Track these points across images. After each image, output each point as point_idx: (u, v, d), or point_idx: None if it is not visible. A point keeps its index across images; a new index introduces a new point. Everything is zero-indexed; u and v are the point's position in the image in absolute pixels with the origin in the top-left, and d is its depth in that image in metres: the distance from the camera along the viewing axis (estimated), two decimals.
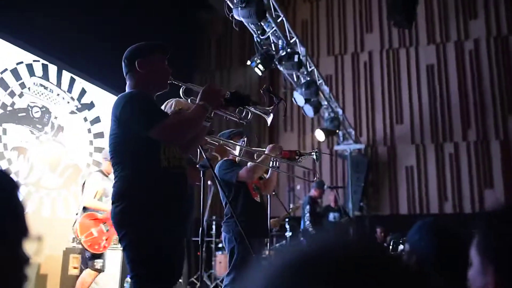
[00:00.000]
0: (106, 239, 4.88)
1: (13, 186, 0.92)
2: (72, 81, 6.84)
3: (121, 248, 2.39)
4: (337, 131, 8.11)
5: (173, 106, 3.16)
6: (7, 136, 5.72)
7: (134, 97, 2.37)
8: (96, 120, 7.25)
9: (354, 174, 8.97)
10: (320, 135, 7.78)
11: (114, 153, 2.39)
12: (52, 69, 6.50)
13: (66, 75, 6.73)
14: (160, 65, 2.46)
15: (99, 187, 4.92)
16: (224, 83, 10.41)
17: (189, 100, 2.62)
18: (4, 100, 5.70)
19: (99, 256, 4.88)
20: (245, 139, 3.77)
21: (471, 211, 8.68)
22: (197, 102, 2.39)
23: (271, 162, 3.89)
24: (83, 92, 7.05)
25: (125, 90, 2.47)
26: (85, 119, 7.09)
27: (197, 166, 3.21)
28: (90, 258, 4.89)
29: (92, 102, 7.21)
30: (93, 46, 6.69)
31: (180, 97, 2.65)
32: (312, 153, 3.95)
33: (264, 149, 3.81)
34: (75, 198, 6.37)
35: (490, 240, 0.93)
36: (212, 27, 10.41)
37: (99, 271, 4.91)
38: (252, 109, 2.58)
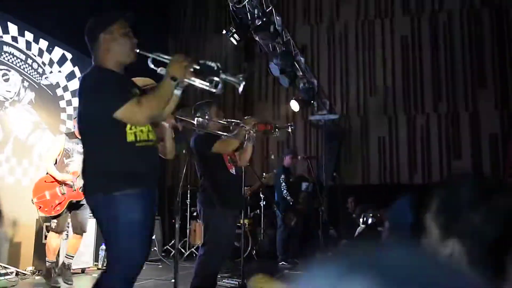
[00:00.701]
0: (60, 203, 4.87)
1: None
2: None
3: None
4: (312, 101, 8.14)
5: None
6: None
7: (96, 77, 2.36)
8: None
9: (328, 144, 9.07)
10: (295, 106, 7.81)
11: (81, 132, 2.44)
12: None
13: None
14: (122, 36, 2.39)
15: (60, 148, 4.95)
16: (200, 50, 10.26)
17: (158, 69, 2.48)
18: None
19: (55, 217, 4.91)
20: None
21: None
22: (165, 74, 2.34)
23: (246, 135, 3.91)
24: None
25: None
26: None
27: (173, 138, 3.18)
28: (48, 220, 5.00)
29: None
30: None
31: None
32: (288, 126, 3.98)
33: (239, 121, 3.81)
34: None
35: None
36: None
37: (56, 231, 4.93)
38: (223, 78, 2.53)
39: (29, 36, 6.51)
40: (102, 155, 2.32)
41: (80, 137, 2.52)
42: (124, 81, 2.46)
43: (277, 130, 3.96)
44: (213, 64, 2.35)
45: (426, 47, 9.55)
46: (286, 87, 7.34)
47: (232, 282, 5.02)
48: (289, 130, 4.02)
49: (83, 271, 5.94)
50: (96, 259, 6.27)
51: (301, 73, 7.47)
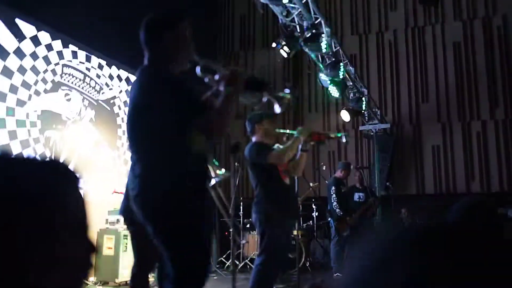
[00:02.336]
0: None
1: (74, 178, 0.98)
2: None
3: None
4: (363, 111, 8.08)
5: None
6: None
7: (167, 79, 2.18)
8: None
9: (380, 154, 8.94)
10: (345, 116, 7.77)
11: (134, 138, 2.23)
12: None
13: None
14: (187, 38, 2.24)
15: None
16: (249, 64, 10.43)
17: (206, 79, 2.41)
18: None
19: None
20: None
21: (499, 190, 8.61)
22: (220, 87, 2.21)
23: (300, 145, 3.93)
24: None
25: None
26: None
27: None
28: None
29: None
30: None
31: None
32: (342, 136, 3.98)
33: (294, 131, 3.85)
34: (108, 180, 6.57)
35: None
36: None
37: None
38: (267, 96, 2.52)
39: (81, 54, 6.84)
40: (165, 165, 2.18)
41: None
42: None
43: (330, 140, 3.97)
44: (261, 80, 2.34)
45: (480, 52, 9.28)
46: (336, 98, 7.34)
47: None
48: (343, 140, 4.01)
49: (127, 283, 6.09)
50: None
51: (351, 83, 7.44)
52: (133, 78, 7.74)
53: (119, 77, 7.59)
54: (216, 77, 2.25)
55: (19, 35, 5.68)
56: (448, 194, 8.91)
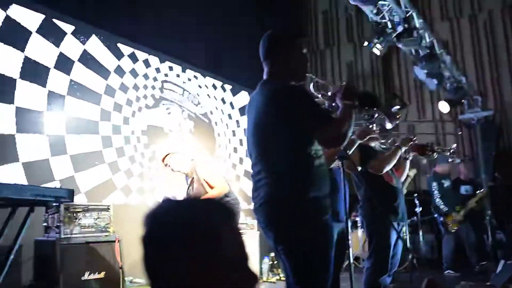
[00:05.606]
0: None
1: (231, 214, 1.05)
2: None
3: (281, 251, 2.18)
4: (462, 100, 7.71)
5: None
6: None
7: (302, 91, 2.22)
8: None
9: (484, 143, 8.46)
10: (444, 107, 7.47)
11: (258, 147, 2.26)
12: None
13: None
14: (303, 55, 2.33)
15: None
16: (334, 60, 10.36)
17: (319, 95, 2.52)
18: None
19: None
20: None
21: None
22: (336, 101, 2.25)
23: (401, 154, 3.88)
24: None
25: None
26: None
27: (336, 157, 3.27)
28: None
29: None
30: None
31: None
32: (446, 150, 3.86)
33: (396, 136, 3.80)
34: None
35: None
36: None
37: None
38: (377, 112, 2.51)
39: (177, 68, 7.23)
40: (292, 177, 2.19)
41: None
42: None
43: (433, 152, 3.86)
44: (374, 96, 2.33)
45: None
46: (433, 90, 7.08)
47: None
48: (448, 154, 3.90)
49: None
50: (260, 272, 6.64)
51: (447, 73, 7.14)
52: (227, 88, 8.04)
53: (214, 86, 7.90)
54: (329, 93, 2.30)
55: (118, 55, 6.16)
56: None
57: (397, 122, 2.51)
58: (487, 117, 8.62)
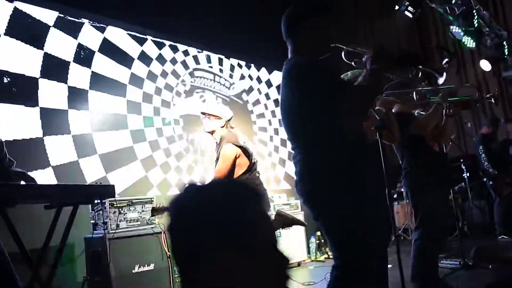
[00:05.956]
0: None
1: (258, 196, 1.02)
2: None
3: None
4: (504, 56, 7.32)
5: (348, 78, 3.19)
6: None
7: (312, 65, 2.23)
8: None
9: None
10: (485, 65, 7.13)
11: (290, 126, 2.31)
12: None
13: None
14: (324, 28, 2.31)
15: None
16: (367, 32, 10.05)
17: (352, 62, 2.44)
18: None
19: None
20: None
21: None
22: (368, 67, 2.22)
23: (444, 111, 3.73)
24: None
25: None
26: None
27: (372, 128, 3.16)
28: None
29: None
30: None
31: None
32: (489, 97, 3.68)
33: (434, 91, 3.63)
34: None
35: None
36: None
37: None
38: (423, 68, 2.42)
39: (204, 54, 7.20)
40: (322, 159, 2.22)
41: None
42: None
43: (477, 103, 3.70)
44: (413, 54, 2.27)
45: None
46: (472, 48, 6.75)
47: (453, 262, 4.82)
48: (492, 100, 3.71)
49: (299, 264, 6.31)
50: (308, 251, 6.63)
51: (487, 29, 6.78)
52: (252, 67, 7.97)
53: (239, 66, 7.84)
54: (364, 58, 2.26)
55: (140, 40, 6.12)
56: None
57: (446, 73, 2.39)
58: None
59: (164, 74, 6.32)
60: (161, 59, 6.33)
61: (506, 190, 6.23)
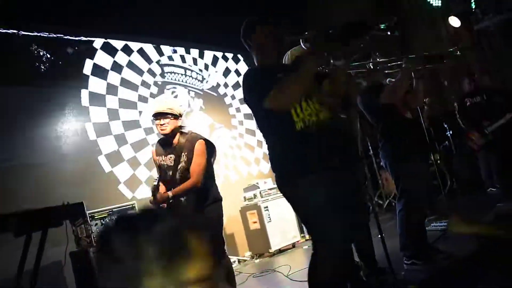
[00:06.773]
0: None
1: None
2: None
3: None
4: (473, 9, 7.22)
5: (289, 57, 3.14)
6: None
7: (248, 76, 2.47)
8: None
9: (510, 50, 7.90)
10: (455, 21, 7.03)
11: (258, 125, 2.55)
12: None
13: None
14: (267, 35, 2.52)
15: None
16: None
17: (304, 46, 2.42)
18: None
19: None
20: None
21: None
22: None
23: (411, 74, 3.63)
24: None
25: None
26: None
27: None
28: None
29: None
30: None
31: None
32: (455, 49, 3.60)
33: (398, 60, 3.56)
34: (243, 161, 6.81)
35: None
36: None
37: None
38: (373, 33, 2.32)
39: (180, 50, 7.08)
40: (277, 148, 2.43)
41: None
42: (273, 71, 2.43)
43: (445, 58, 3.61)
44: (355, 23, 2.17)
45: None
46: (438, 6, 6.66)
47: (441, 224, 4.80)
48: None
49: (293, 246, 6.30)
50: (301, 231, 6.60)
51: None
52: (229, 58, 7.84)
53: (215, 59, 7.72)
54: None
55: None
56: None
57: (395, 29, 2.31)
58: (508, 20, 8.00)
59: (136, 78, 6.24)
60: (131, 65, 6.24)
61: (477, 143, 6.06)
